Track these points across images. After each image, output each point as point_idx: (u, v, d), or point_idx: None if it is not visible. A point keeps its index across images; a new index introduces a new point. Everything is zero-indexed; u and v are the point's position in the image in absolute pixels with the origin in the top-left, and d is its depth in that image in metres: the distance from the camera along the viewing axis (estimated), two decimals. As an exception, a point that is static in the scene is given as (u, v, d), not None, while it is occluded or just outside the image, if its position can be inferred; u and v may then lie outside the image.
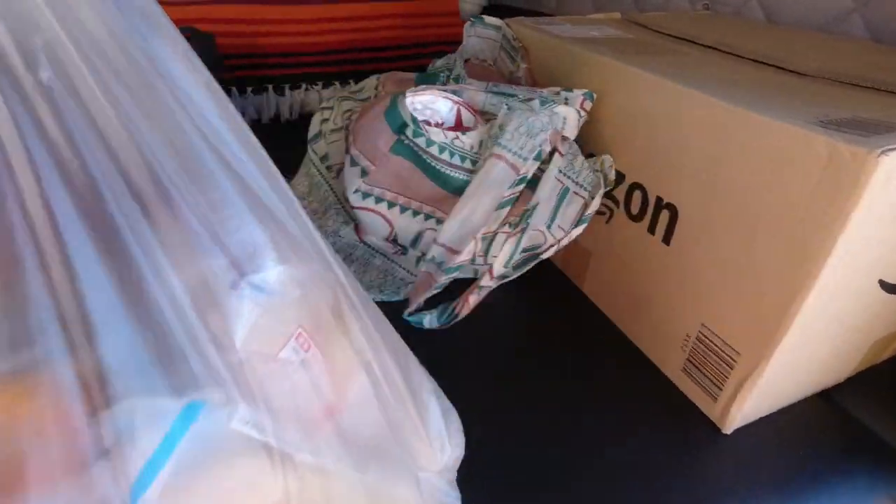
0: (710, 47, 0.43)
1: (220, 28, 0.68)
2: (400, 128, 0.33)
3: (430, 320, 0.34)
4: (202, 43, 0.64)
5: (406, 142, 0.33)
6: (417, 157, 0.34)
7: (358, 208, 0.36)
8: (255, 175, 0.22)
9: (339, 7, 0.82)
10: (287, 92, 0.80)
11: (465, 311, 0.33)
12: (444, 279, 0.33)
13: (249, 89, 0.78)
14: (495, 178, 0.32)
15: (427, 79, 0.37)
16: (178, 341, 0.19)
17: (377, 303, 0.47)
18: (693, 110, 0.33)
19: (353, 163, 0.35)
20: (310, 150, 0.42)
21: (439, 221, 0.39)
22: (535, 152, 0.33)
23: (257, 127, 0.80)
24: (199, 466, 0.20)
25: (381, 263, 0.43)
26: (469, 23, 0.50)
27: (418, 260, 0.44)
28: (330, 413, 0.25)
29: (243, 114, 0.79)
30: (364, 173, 0.35)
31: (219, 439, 0.20)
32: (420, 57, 0.88)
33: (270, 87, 0.79)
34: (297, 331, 0.23)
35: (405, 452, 0.27)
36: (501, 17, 0.51)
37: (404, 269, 0.44)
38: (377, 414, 0.26)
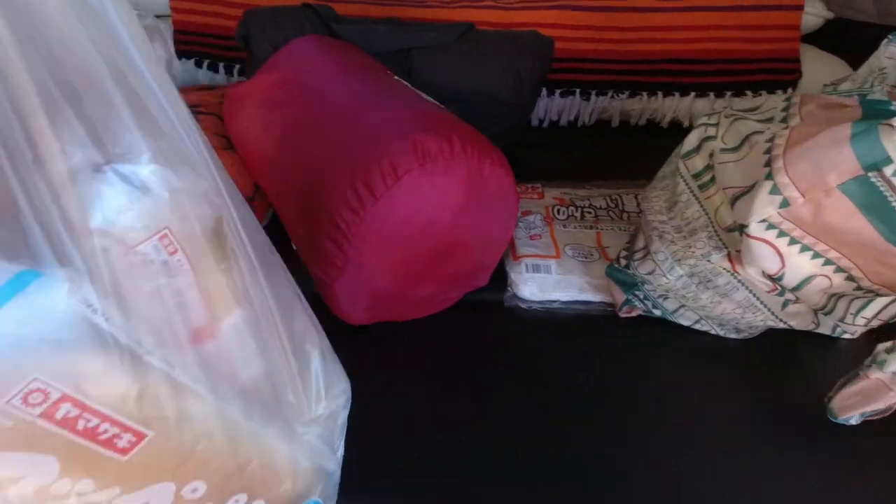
0: None
1: (552, 32, 0.71)
2: (876, 164, 0.29)
3: (856, 418, 0.33)
4: (543, 45, 0.67)
5: (874, 180, 0.29)
6: (876, 201, 0.29)
7: (753, 238, 0.33)
8: (161, 102, 0.24)
9: (661, 16, 0.79)
10: (592, 98, 0.80)
11: None
12: None
13: (558, 91, 0.80)
14: None
15: (876, 106, 0.32)
16: (24, 213, 0.19)
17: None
18: None
19: (775, 191, 0.32)
20: (681, 165, 0.40)
21: (839, 269, 0.34)
22: None
23: (555, 127, 0.83)
24: (23, 344, 0.19)
25: (742, 298, 0.39)
26: (885, 41, 0.43)
27: (786, 303, 0.39)
28: (199, 337, 0.24)
29: (544, 113, 0.82)
30: (785, 204, 0.32)
31: (55, 321, 0.20)
32: (741, 73, 0.80)
33: (577, 91, 0.80)
34: (162, 230, 0.23)
35: (278, 397, 0.27)
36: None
37: (768, 309, 0.40)
38: (252, 353, 0.26)
